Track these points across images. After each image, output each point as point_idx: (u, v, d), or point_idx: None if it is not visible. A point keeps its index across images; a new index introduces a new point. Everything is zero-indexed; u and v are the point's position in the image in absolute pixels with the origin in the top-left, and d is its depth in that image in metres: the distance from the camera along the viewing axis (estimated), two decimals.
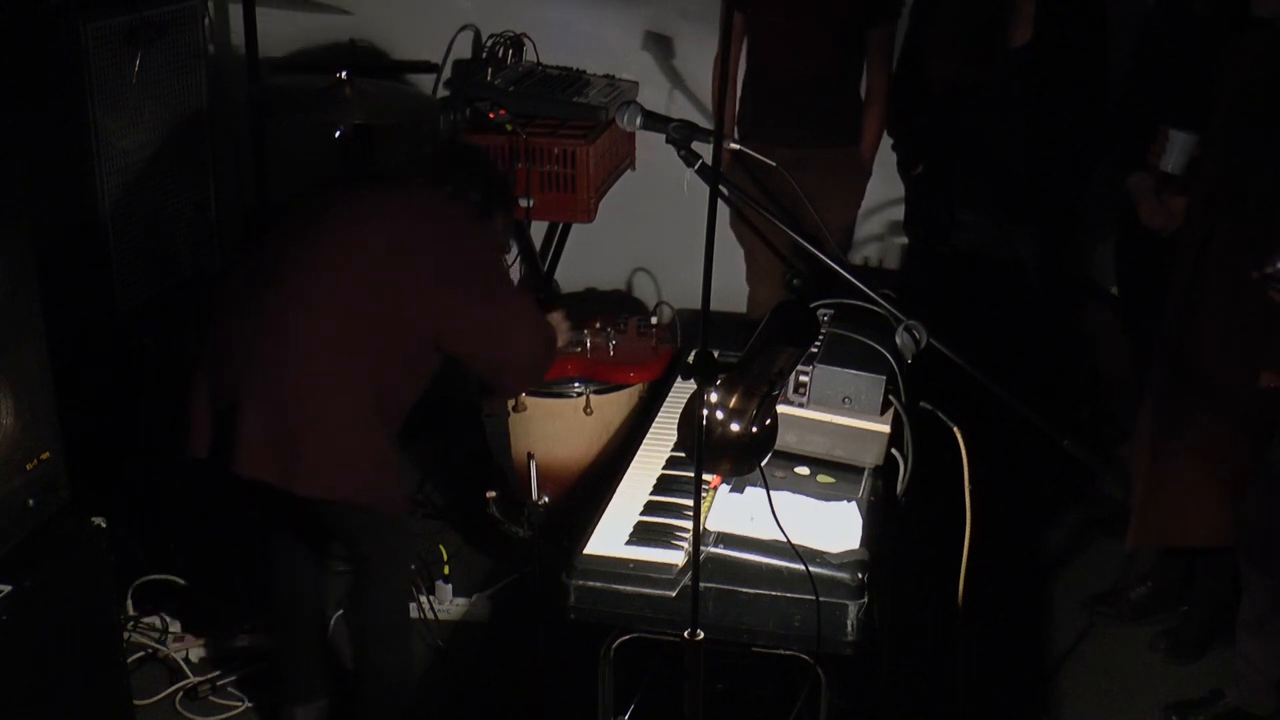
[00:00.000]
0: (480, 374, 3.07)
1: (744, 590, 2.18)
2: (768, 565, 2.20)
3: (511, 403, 3.51)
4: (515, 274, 4.67)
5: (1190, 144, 3.24)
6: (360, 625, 3.13)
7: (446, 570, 3.65)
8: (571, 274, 4.71)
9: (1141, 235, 3.54)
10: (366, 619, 3.09)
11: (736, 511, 2.34)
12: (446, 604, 3.64)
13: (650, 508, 2.43)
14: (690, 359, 1.92)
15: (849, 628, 2.15)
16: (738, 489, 2.41)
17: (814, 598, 2.12)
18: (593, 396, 3.55)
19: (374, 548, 3.01)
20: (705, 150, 2.54)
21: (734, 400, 2.02)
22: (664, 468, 2.58)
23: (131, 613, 3.50)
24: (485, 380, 3.13)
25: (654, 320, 3.81)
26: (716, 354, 1.92)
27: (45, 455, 2.64)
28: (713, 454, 2.02)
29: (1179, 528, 3.26)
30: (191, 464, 2.86)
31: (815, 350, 2.61)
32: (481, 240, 3.07)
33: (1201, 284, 3.10)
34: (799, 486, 2.45)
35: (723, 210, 3.54)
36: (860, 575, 2.17)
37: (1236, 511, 3.11)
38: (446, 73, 4.53)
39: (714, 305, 1.79)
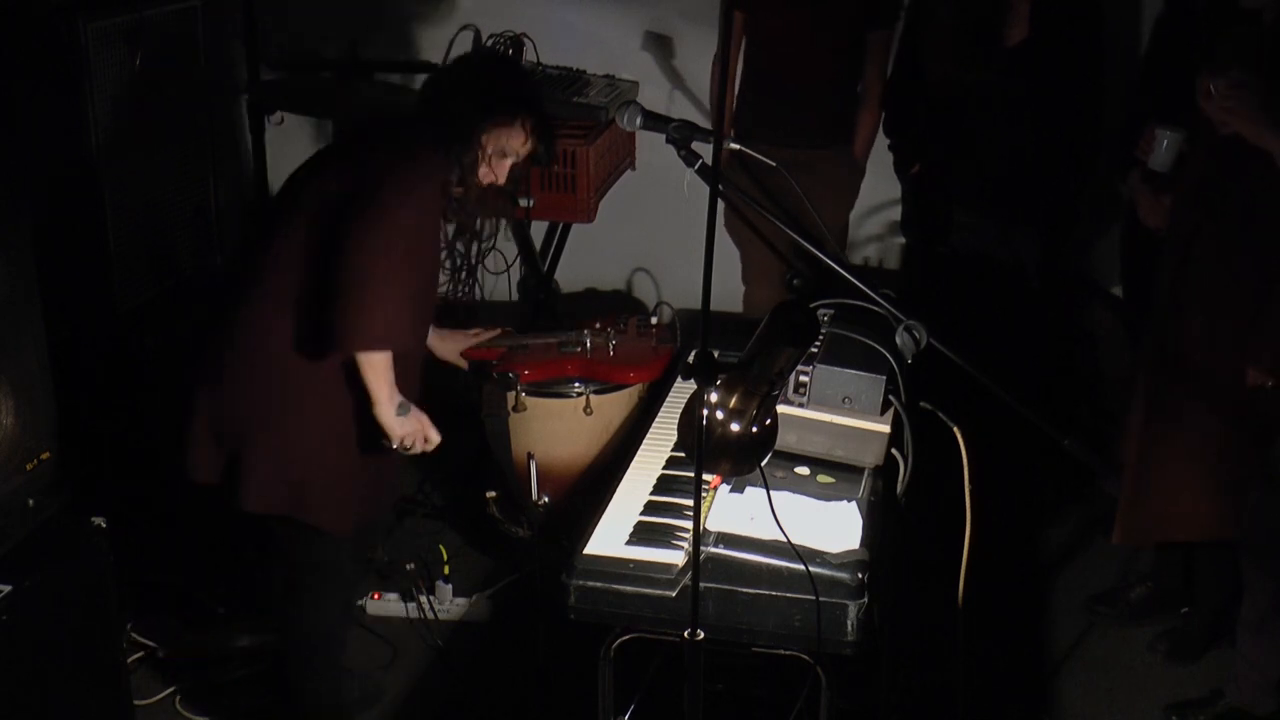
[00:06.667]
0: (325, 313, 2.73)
1: (744, 590, 2.18)
2: (768, 565, 2.20)
3: (511, 403, 3.51)
4: (515, 274, 4.67)
5: (1177, 142, 3.23)
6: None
7: (446, 570, 3.65)
8: (571, 274, 4.71)
9: (1145, 234, 3.54)
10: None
11: (736, 511, 2.34)
12: (446, 604, 3.64)
13: (650, 508, 2.42)
14: (690, 359, 1.91)
15: (849, 628, 2.15)
16: (738, 489, 2.41)
17: (814, 598, 2.12)
18: (593, 396, 3.55)
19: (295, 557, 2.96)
20: (705, 150, 2.54)
21: (734, 400, 2.02)
22: (664, 468, 2.58)
23: (131, 613, 3.50)
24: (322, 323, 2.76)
25: (654, 320, 3.81)
26: (716, 354, 1.92)
27: (45, 455, 2.64)
28: (713, 454, 2.02)
29: (1166, 524, 3.26)
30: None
31: (815, 350, 2.61)
32: (411, 211, 2.71)
33: (1186, 280, 3.11)
34: (799, 486, 2.45)
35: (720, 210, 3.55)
36: (860, 575, 2.17)
37: (1240, 511, 3.11)
38: None
39: (714, 305, 1.79)
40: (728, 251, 4.18)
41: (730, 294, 4.21)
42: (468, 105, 2.81)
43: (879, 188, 4.31)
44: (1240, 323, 2.98)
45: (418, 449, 2.82)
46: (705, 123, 3.72)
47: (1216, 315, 3.05)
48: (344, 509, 2.86)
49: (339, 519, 2.86)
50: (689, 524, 2.29)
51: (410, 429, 2.79)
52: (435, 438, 2.83)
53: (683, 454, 2.58)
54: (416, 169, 2.75)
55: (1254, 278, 2.97)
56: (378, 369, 2.70)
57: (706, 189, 1.82)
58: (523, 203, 3.87)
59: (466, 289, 3.19)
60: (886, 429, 2.52)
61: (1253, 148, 2.87)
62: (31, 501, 2.61)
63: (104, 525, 2.74)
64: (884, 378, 2.52)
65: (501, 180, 2.92)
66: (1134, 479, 3.24)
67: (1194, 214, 3.10)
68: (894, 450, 2.52)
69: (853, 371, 2.53)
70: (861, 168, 4.16)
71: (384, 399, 2.73)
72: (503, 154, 2.87)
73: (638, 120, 2.64)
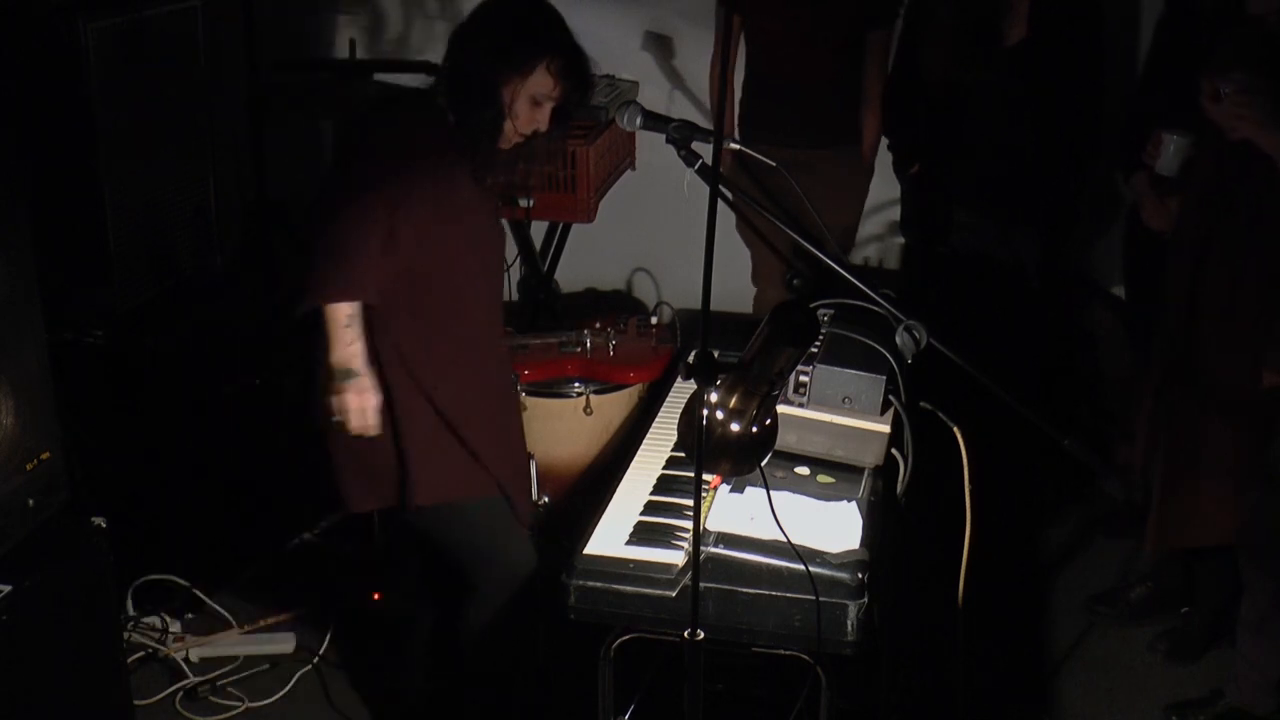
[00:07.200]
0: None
1: (744, 590, 2.18)
2: (768, 565, 2.20)
3: None
4: (515, 274, 4.67)
5: (1184, 146, 3.24)
6: None
7: None
8: (571, 274, 4.71)
9: (1147, 234, 3.54)
10: None
11: (736, 511, 2.34)
12: None
13: (650, 508, 2.43)
14: (690, 359, 1.91)
15: (849, 628, 2.15)
16: (738, 489, 2.41)
17: (814, 598, 2.12)
18: (593, 396, 3.56)
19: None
20: (705, 150, 2.53)
21: (734, 400, 2.02)
22: (664, 468, 2.58)
23: (131, 613, 3.50)
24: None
25: (654, 320, 3.81)
26: (716, 354, 1.92)
27: (45, 455, 2.64)
28: (713, 454, 2.02)
29: (1200, 527, 3.25)
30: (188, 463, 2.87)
31: (815, 350, 2.61)
32: (384, 165, 2.66)
33: (1202, 286, 3.10)
34: (799, 486, 2.45)
35: (729, 212, 3.55)
36: (860, 575, 2.18)
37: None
38: None
39: (714, 305, 1.79)
40: (730, 251, 4.17)
41: (731, 294, 4.21)
42: (483, 60, 2.65)
43: (879, 188, 4.31)
44: (1256, 326, 2.97)
45: (352, 428, 2.65)
46: (705, 123, 3.72)
47: (1232, 319, 3.04)
48: (443, 478, 2.76)
49: (437, 488, 2.77)
50: (689, 524, 2.29)
51: (347, 403, 2.63)
52: (373, 423, 2.65)
53: (683, 454, 2.58)
54: (408, 127, 2.70)
55: (1264, 280, 2.97)
56: (330, 323, 2.61)
57: (706, 189, 1.82)
58: (523, 203, 3.87)
59: None
60: (886, 429, 2.52)
61: (1260, 151, 2.87)
62: (31, 501, 2.60)
63: (104, 525, 2.74)
64: (884, 378, 2.52)
65: (545, 127, 2.73)
66: (1162, 486, 3.23)
67: (1204, 218, 3.09)
68: (894, 450, 2.51)
69: (853, 371, 2.53)
70: (868, 168, 4.15)
71: (332, 357, 2.62)
72: (534, 101, 2.68)
73: (638, 120, 2.63)
